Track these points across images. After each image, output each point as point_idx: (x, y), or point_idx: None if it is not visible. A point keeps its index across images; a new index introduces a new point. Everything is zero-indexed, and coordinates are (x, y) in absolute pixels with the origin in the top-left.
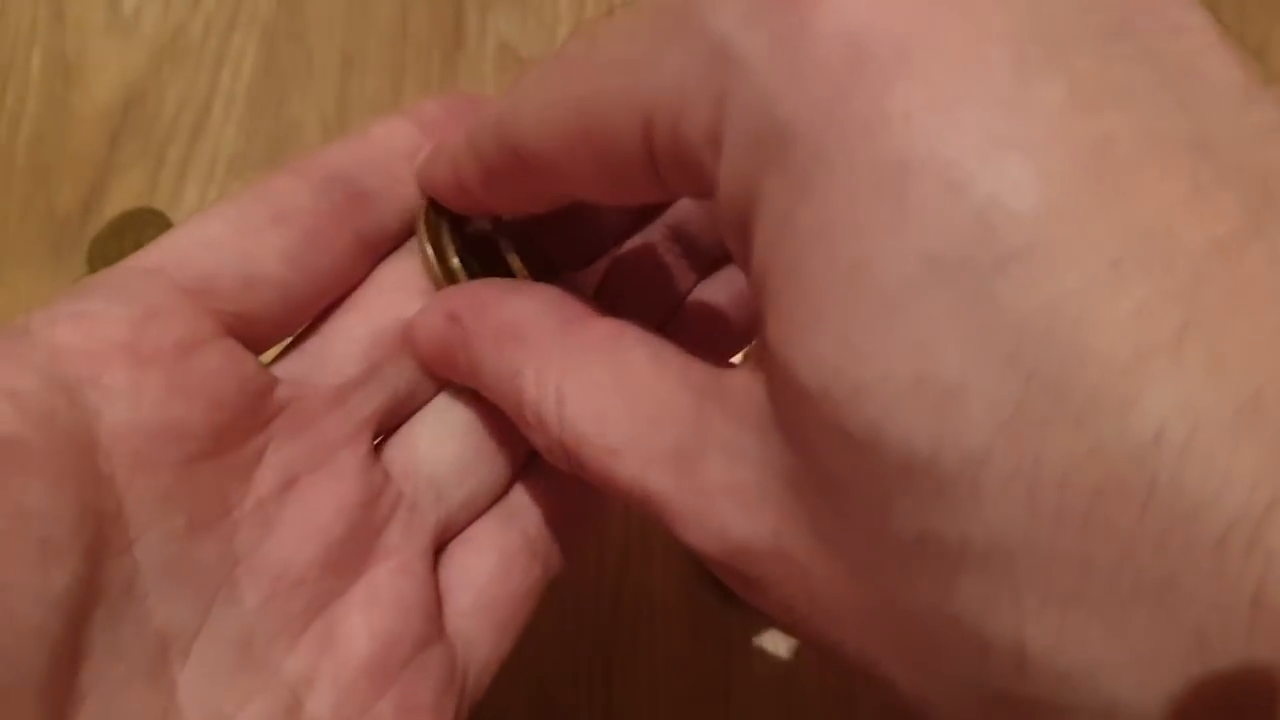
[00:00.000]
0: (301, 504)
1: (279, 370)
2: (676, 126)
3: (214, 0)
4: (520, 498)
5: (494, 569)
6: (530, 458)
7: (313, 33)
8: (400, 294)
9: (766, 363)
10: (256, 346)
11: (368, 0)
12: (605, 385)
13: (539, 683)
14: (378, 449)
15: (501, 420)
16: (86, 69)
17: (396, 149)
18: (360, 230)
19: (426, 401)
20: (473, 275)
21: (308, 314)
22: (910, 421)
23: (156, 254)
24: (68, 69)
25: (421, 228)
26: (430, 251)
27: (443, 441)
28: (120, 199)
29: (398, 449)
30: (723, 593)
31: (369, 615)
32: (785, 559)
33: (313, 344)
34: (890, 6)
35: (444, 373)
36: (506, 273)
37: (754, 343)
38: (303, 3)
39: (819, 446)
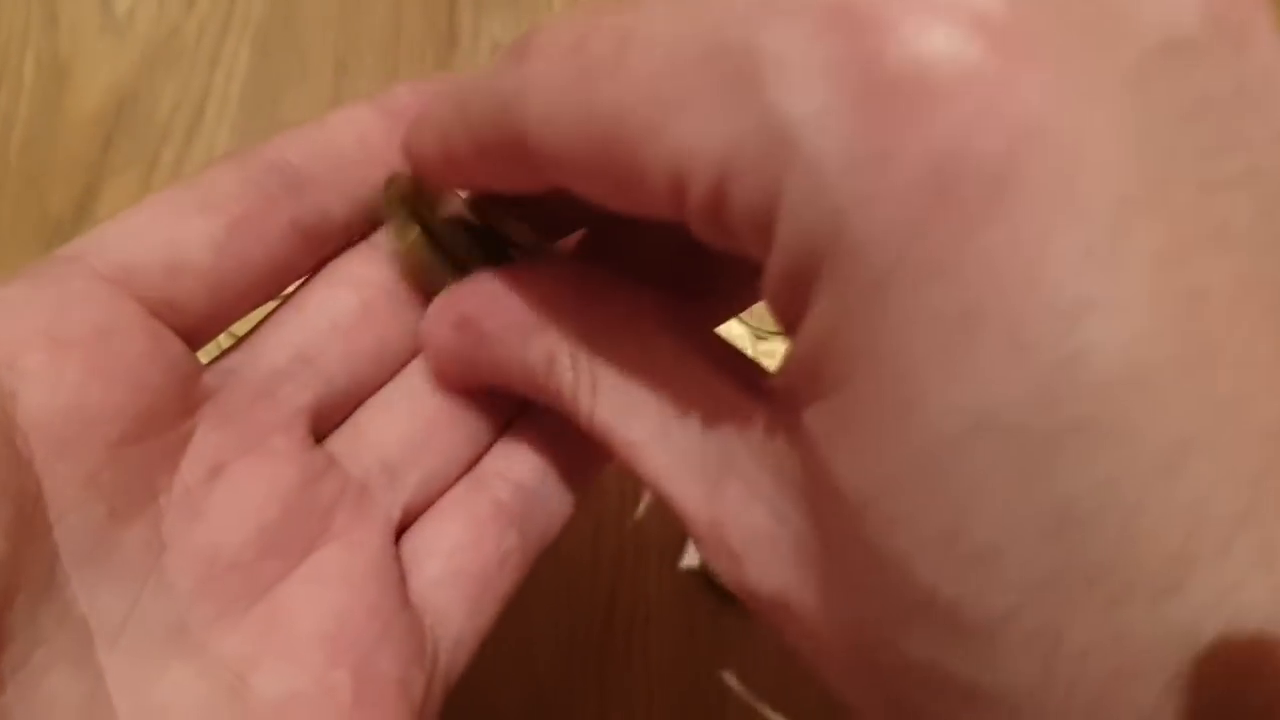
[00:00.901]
0: (231, 489)
1: (218, 364)
2: (718, 193)
3: (208, 2)
4: (492, 465)
5: (461, 537)
6: (504, 428)
7: (306, 34)
8: (340, 289)
9: (798, 430)
10: (191, 336)
11: (361, 2)
12: (633, 369)
13: (533, 684)
14: (323, 440)
15: (456, 398)
16: (79, 71)
17: (350, 137)
18: (298, 218)
19: (371, 393)
20: (458, 257)
21: (243, 303)
22: (937, 569)
23: (81, 243)
24: (60, 71)
25: (397, 215)
26: (402, 239)
27: (391, 424)
28: (113, 201)
29: (344, 438)
30: (719, 594)
31: (314, 590)
32: (790, 612)
33: (250, 339)
34: (989, 129)
35: (465, 386)
36: (488, 251)
37: (781, 369)
38: (296, 4)
39: (841, 543)
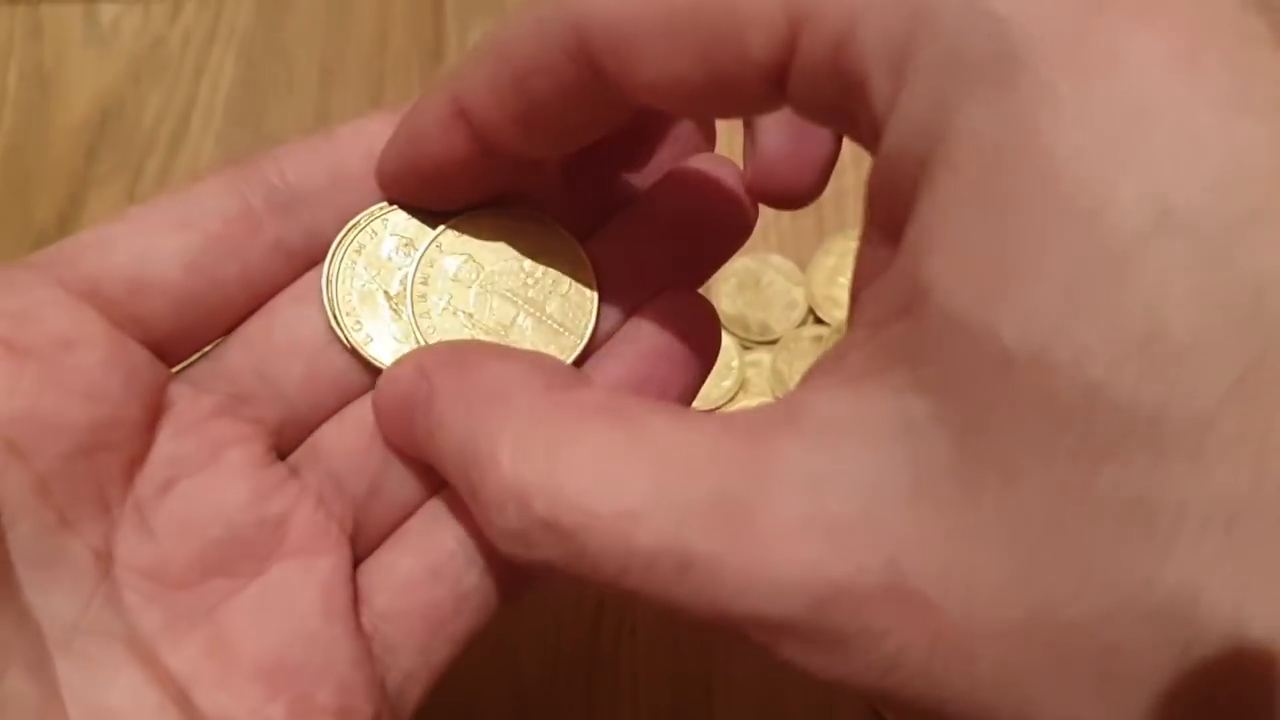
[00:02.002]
0: (181, 505)
1: (183, 375)
2: (842, 37)
3: (193, 12)
4: (454, 499)
5: (414, 571)
6: None
7: (292, 45)
8: (309, 307)
9: (923, 336)
10: (161, 351)
11: (347, 13)
12: (614, 448)
13: (520, 694)
14: (286, 457)
15: None
16: (64, 81)
17: (357, 152)
18: (283, 238)
19: (331, 414)
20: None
21: (215, 322)
22: (1137, 380)
23: (52, 252)
24: (45, 81)
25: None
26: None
27: (340, 435)
28: (97, 211)
29: (302, 453)
30: None
31: (258, 615)
32: (903, 595)
33: (215, 351)
34: None
35: (399, 439)
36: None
37: (825, 355)
38: (282, 15)
39: (1006, 423)
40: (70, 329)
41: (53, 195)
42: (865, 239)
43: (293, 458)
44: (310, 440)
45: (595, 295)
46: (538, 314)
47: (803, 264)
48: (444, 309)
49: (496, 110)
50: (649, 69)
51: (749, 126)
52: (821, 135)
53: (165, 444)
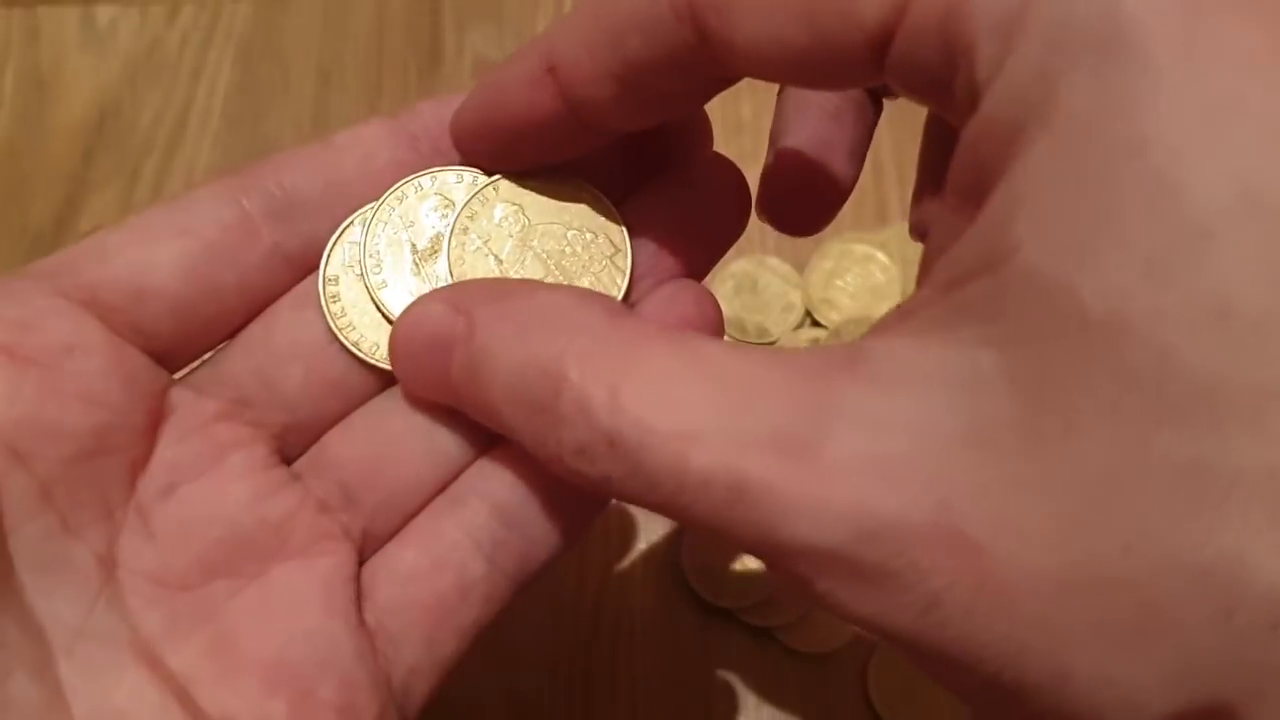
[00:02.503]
0: (182, 508)
1: (185, 380)
2: (953, 6)
3: (190, 15)
4: (466, 487)
5: (417, 563)
6: (483, 450)
7: (289, 48)
8: (308, 312)
9: (1001, 292)
10: (162, 358)
11: (344, 16)
12: (675, 370)
13: (518, 699)
14: (291, 463)
15: (424, 419)
16: (61, 84)
17: (354, 157)
18: (281, 244)
19: (337, 421)
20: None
21: (215, 329)
22: (1206, 350)
23: (54, 260)
24: (42, 84)
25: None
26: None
27: (349, 445)
28: (94, 214)
29: (308, 460)
30: (703, 608)
31: (260, 614)
32: (951, 535)
33: (217, 356)
34: None
35: (425, 383)
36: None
37: (889, 314)
38: (279, 18)
39: (1074, 380)
40: (71, 336)
41: (49, 197)
42: (945, 206)
43: (298, 464)
44: (317, 448)
45: (625, 285)
46: (566, 284)
47: (800, 267)
48: (477, 249)
49: (589, 67)
50: (753, 28)
51: (772, 143)
52: (840, 167)
53: (167, 448)
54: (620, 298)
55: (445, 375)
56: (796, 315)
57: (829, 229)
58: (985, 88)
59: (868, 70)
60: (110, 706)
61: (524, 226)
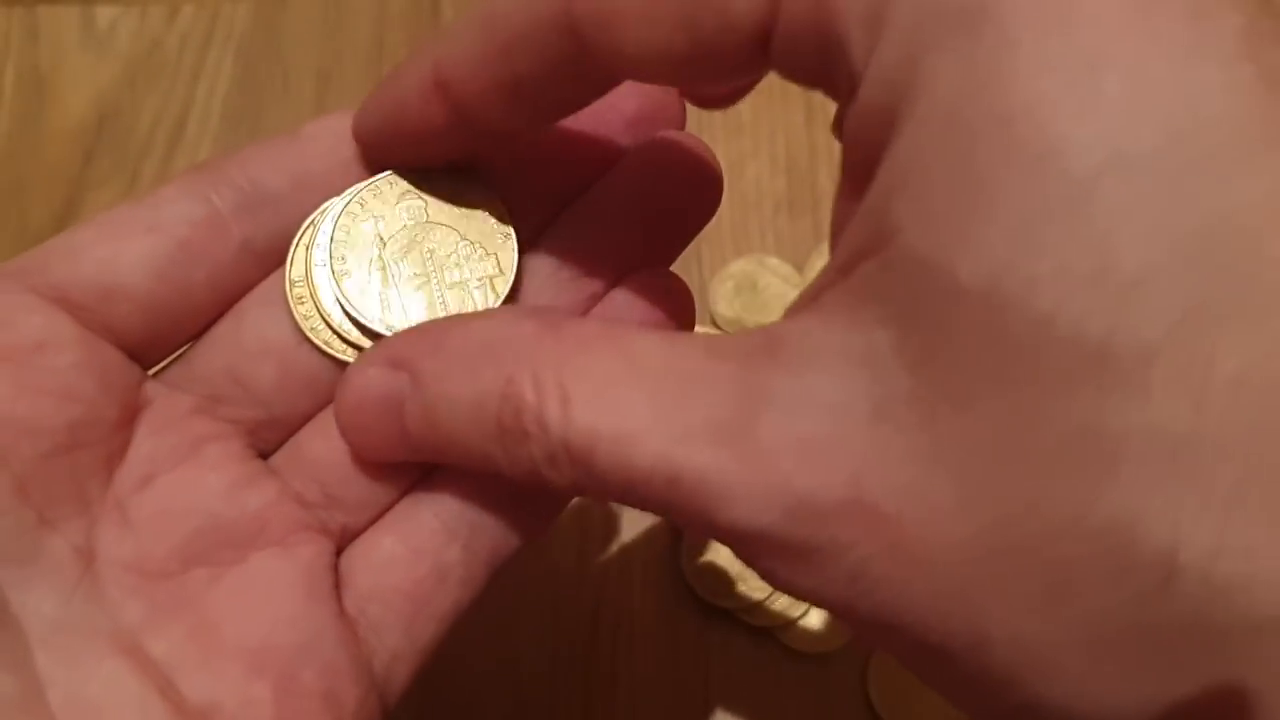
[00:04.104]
0: (160, 498)
1: (160, 376)
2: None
3: (189, 15)
4: (440, 475)
5: (394, 550)
6: None
7: (289, 48)
8: (275, 308)
9: (887, 273)
10: (135, 355)
11: (343, 16)
12: (615, 374)
13: (518, 699)
14: (266, 458)
15: None
16: (61, 84)
17: (321, 148)
18: (250, 239)
19: (309, 418)
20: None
21: (186, 327)
22: (1085, 312)
23: (26, 259)
24: (41, 84)
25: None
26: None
27: (327, 448)
28: (94, 214)
29: (284, 456)
30: (703, 608)
31: (241, 600)
32: (865, 509)
33: (189, 353)
34: None
35: (379, 443)
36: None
37: (804, 291)
38: (279, 18)
39: (959, 354)
40: (42, 332)
41: (49, 198)
42: (840, 191)
43: (275, 460)
44: (293, 445)
45: (497, 305)
46: (436, 289)
47: (800, 266)
48: (367, 223)
49: (479, 81)
50: (633, 39)
51: None
52: None
53: (143, 441)
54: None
55: (399, 433)
56: None
57: (828, 229)
58: (859, 77)
59: (752, 66)
60: (87, 696)
61: (420, 221)
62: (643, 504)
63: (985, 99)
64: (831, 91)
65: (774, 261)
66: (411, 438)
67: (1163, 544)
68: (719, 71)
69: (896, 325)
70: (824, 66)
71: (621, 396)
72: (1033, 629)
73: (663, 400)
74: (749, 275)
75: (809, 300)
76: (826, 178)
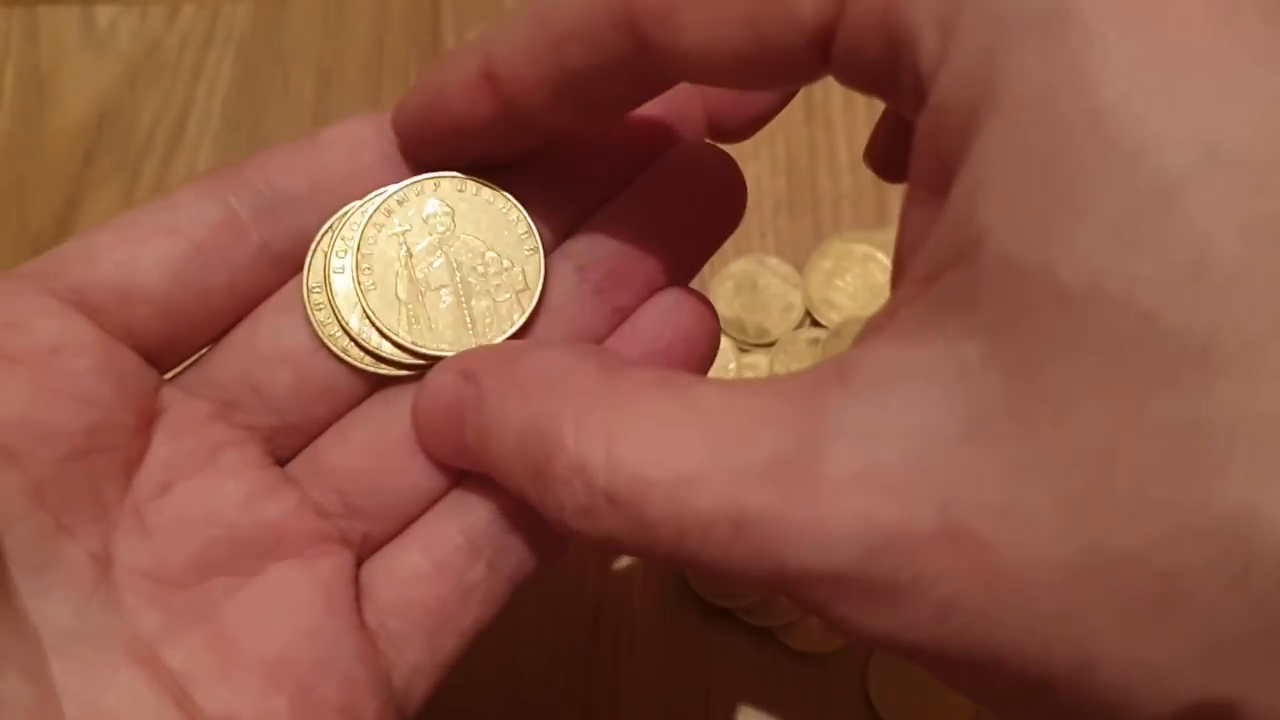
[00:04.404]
0: (179, 506)
1: (176, 381)
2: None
3: (190, 16)
4: (468, 490)
5: (419, 566)
6: None
7: (289, 48)
8: (294, 315)
9: (976, 279)
10: (153, 359)
11: (344, 17)
12: (668, 418)
13: (518, 698)
14: (284, 465)
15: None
16: (61, 84)
17: (340, 153)
18: (269, 243)
19: (327, 426)
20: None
21: (204, 330)
22: (1188, 309)
23: (43, 261)
24: (42, 84)
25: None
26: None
27: (346, 456)
28: (94, 215)
29: (302, 464)
30: (703, 608)
31: (260, 611)
32: (957, 537)
33: (206, 358)
34: None
35: (445, 447)
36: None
37: (875, 316)
38: (279, 19)
39: (1059, 359)
40: (60, 336)
41: (49, 198)
42: (911, 200)
43: (293, 468)
44: (311, 454)
45: (523, 322)
46: (463, 300)
47: (800, 266)
48: (394, 235)
49: (528, 74)
50: (693, 36)
51: None
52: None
53: (161, 447)
54: (514, 330)
55: (459, 442)
56: (796, 315)
57: (829, 227)
58: (932, 78)
59: (812, 68)
60: (103, 706)
61: (448, 230)
62: (697, 557)
63: (1074, 95)
64: (894, 96)
65: (774, 261)
66: (469, 450)
67: None
68: (778, 73)
69: (988, 334)
70: (888, 69)
71: (677, 439)
72: (1146, 645)
73: (723, 441)
74: (749, 275)
75: (883, 321)
76: (826, 178)
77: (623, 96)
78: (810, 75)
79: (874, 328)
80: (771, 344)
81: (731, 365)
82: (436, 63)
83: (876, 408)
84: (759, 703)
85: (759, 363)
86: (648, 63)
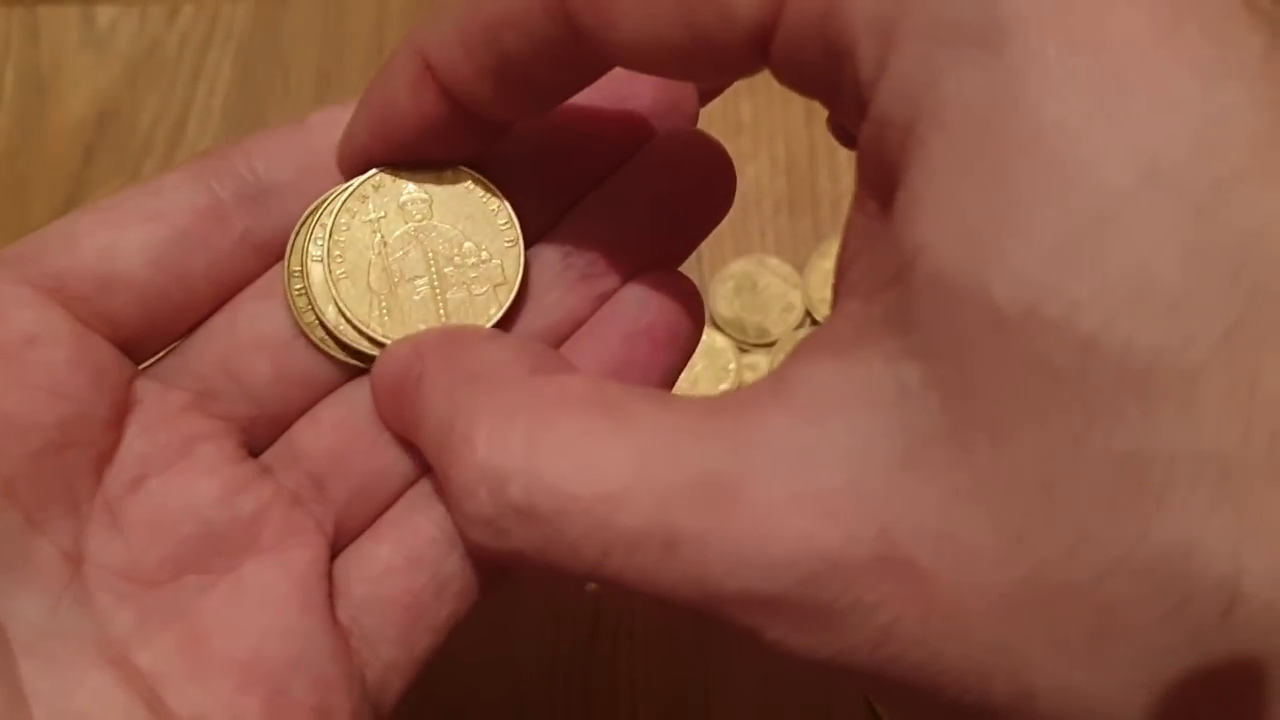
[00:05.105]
0: (151, 503)
1: (151, 371)
2: (832, 2)
3: (190, 16)
4: (437, 486)
5: (392, 560)
6: None
7: (289, 48)
8: (273, 302)
9: (914, 300)
10: (129, 347)
11: (344, 17)
12: (595, 432)
13: (517, 703)
14: (259, 455)
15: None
16: (61, 84)
17: (326, 140)
18: (251, 230)
19: (303, 412)
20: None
21: (183, 318)
22: (1127, 335)
23: (20, 248)
24: (42, 84)
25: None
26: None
27: (318, 437)
28: None
29: (277, 451)
30: None
31: (232, 611)
32: (894, 564)
33: (183, 346)
34: None
35: (392, 419)
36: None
37: (816, 331)
38: (279, 19)
39: (996, 383)
40: (35, 326)
41: (49, 198)
42: (857, 207)
43: (266, 456)
44: (285, 440)
45: (499, 316)
46: (438, 292)
47: (799, 267)
48: (368, 220)
49: (465, 65)
50: (627, 27)
51: None
52: None
53: (134, 440)
54: (491, 325)
55: (404, 418)
56: (796, 315)
57: (828, 227)
58: (871, 88)
59: (749, 65)
60: (72, 708)
61: (424, 218)
62: (619, 576)
63: (1013, 114)
64: (831, 101)
65: (774, 261)
66: (407, 426)
67: (1223, 571)
68: (714, 67)
69: (926, 357)
70: (826, 75)
71: (602, 453)
72: (1082, 677)
73: (651, 456)
74: (749, 275)
75: (822, 335)
76: (826, 178)
77: (561, 83)
78: (749, 71)
79: (812, 343)
80: (771, 344)
81: (731, 365)
82: (375, 77)
83: (815, 429)
84: (759, 701)
85: (759, 363)
86: (582, 50)
